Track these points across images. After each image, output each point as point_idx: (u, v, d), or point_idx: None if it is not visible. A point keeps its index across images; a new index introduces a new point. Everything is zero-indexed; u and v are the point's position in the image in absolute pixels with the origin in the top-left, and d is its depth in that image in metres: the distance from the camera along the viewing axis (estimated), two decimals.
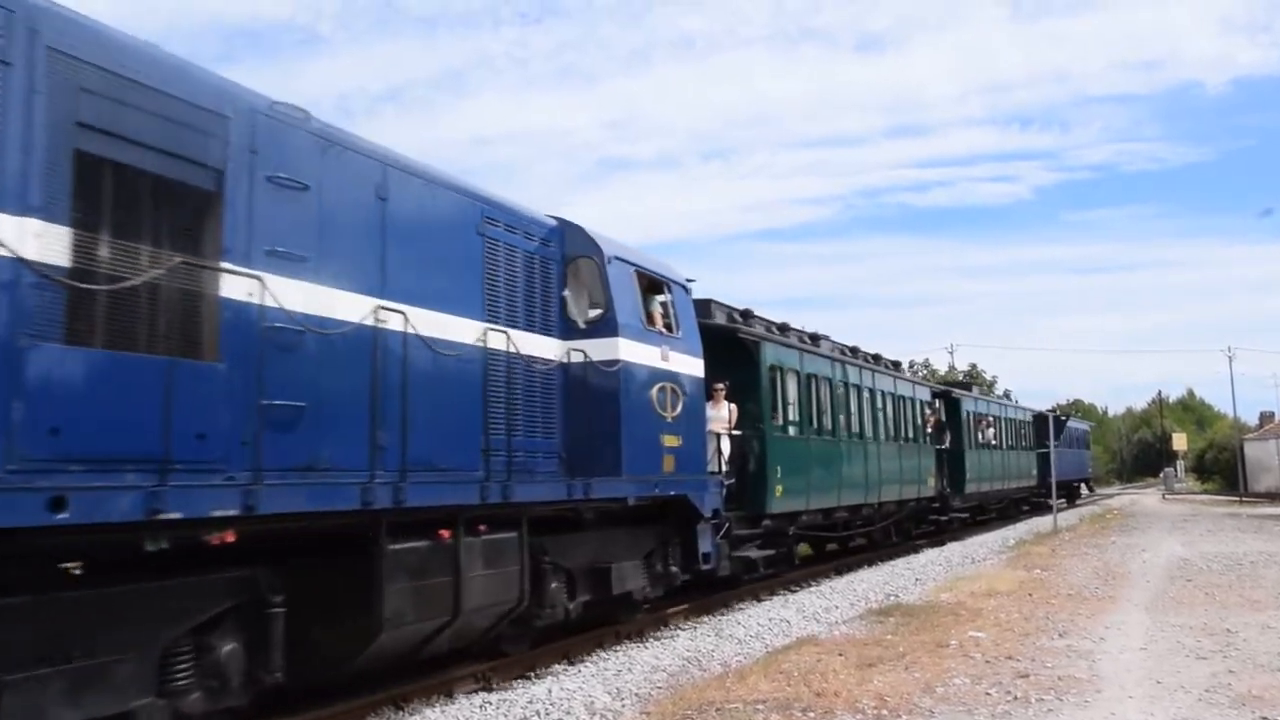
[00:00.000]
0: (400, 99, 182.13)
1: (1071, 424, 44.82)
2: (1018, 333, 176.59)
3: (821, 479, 17.22)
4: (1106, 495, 61.88)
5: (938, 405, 26.46)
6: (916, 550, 22.13)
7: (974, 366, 54.85)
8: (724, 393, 13.77)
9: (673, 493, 10.93)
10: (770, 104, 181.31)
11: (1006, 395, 53.69)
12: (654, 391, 10.70)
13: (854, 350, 21.45)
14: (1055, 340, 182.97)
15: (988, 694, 7.72)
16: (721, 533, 12.45)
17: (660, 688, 8.65)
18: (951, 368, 56.15)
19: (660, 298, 11.50)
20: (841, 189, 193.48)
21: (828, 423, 18.17)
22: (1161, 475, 71.36)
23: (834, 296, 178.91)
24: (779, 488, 15.04)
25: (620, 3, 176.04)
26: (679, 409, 11.19)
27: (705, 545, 11.71)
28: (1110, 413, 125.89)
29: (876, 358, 22.44)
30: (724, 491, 12.67)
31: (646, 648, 10.53)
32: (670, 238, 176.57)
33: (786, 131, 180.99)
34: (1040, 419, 38.13)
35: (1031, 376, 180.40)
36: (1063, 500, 40.92)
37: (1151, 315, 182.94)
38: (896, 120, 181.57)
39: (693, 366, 11.83)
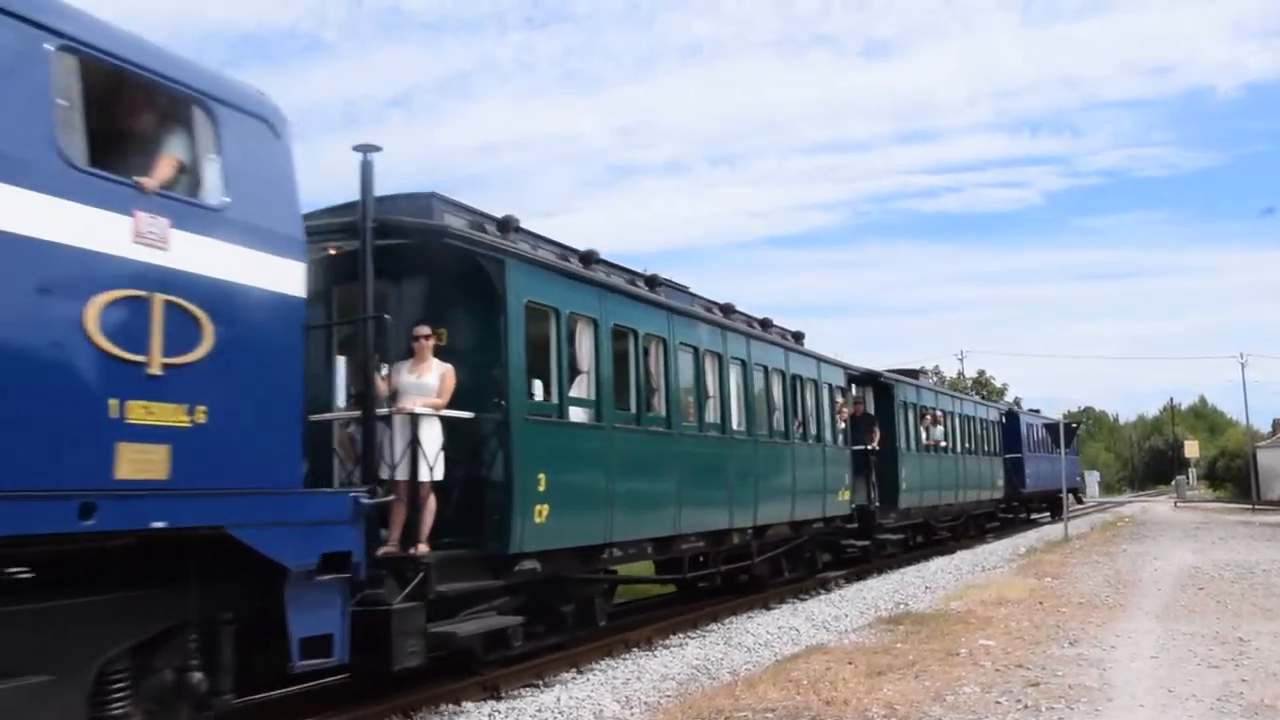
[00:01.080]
0: (407, 105, 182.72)
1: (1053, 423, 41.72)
2: (1028, 339, 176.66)
3: (641, 494, 11.15)
4: (1117, 503, 61.65)
5: (856, 393, 20.33)
6: (925, 559, 22.03)
7: (982, 373, 54.72)
8: (431, 345, 8.59)
9: (160, 524, 5.29)
10: (778, 110, 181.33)
11: (1017, 402, 53.22)
12: (92, 307, 5.09)
13: (726, 308, 14.81)
14: (1066, 347, 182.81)
15: (998, 702, 7.68)
16: (402, 589, 7.68)
17: (669, 696, 8.64)
18: (960, 374, 56.08)
19: (179, 129, 5.96)
20: (850, 195, 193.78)
21: (660, 407, 11.84)
22: (1173, 483, 71.10)
23: (843, 303, 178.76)
24: (541, 509, 9.12)
25: (627, 8, 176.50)
26: (199, 350, 5.63)
27: (308, 624, 6.16)
28: (1121, 420, 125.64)
29: (765, 323, 16.18)
30: (407, 516, 8.07)
31: (655, 656, 10.51)
32: (679, 244, 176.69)
33: (795, 137, 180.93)
34: (1012, 418, 33.81)
35: (1042, 384, 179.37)
36: (1045, 514, 37.87)
37: (1163, 321, 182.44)
38: (905, 126, 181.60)
39: (261, 273, 6.13)
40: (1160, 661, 9.30)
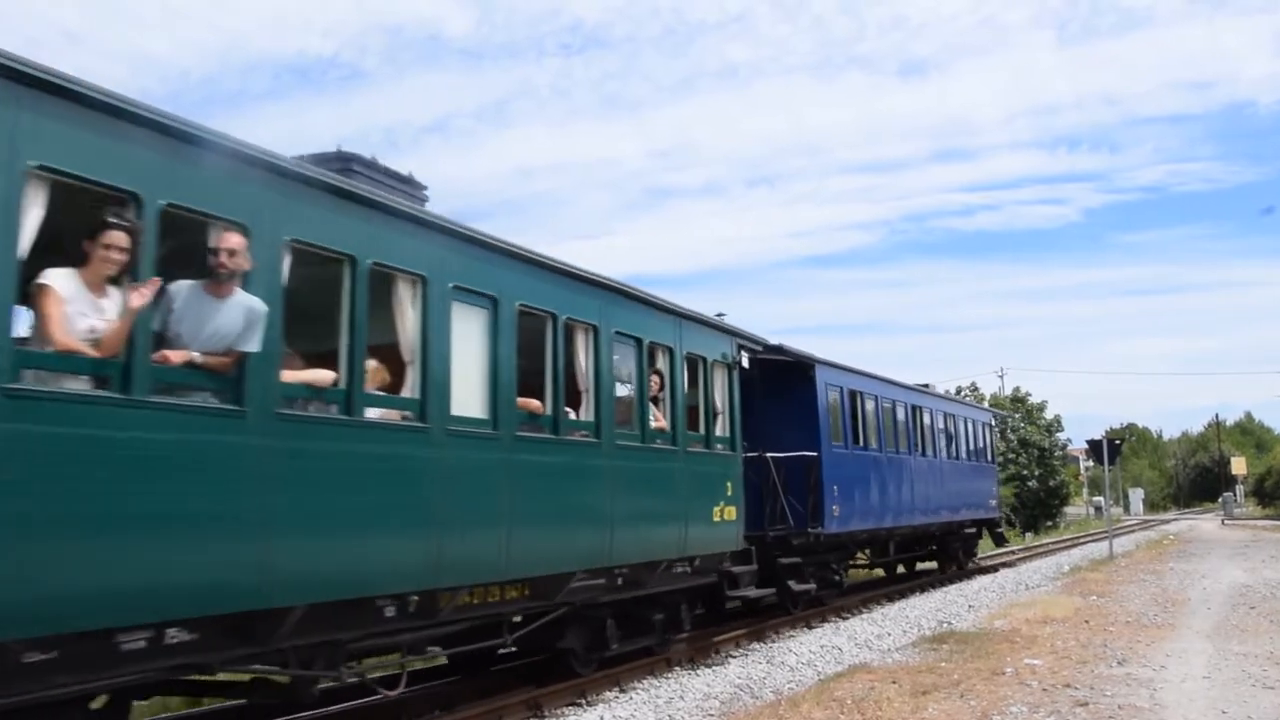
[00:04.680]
0: (445, 130, 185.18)
1: (937, 404, 21.44)
2: (1070, 357, 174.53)
3: None
4: (1162, 520, 60.58)
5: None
6: (969, 576, 21.74)
7: (1018, 389, 53.95)
8: None
9: None
10: (815, 131, 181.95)
11: (1057, 421, 51.70)
12: None
13: None
14: (1109, 364, 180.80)
15: None
16: None
17: (712, 715, 8.61)
18: (999, 391, 55.39)
19: None
20: (888, 214, 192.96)
21: None
22: (1220, 500, 69.76)
23: (882, 322, 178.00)
24: None
25: (664, 33, 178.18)
26: None
27: None
28: (1165, 436, 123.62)
29: None
30: None
31: (698, 675, 10.48)
32: (717, 265, 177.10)
33: (832, 157, 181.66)
34: (792, 373, 15.30)
35: (1085, 401, 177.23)
36: (931, 564, 21.91)
37: (1207, 337, 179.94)
38: (942, 145, 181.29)
39: None
40: (1212, 682, 9.14)
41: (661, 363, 10.67)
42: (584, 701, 9.20)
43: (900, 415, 18.95)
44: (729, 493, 11.67)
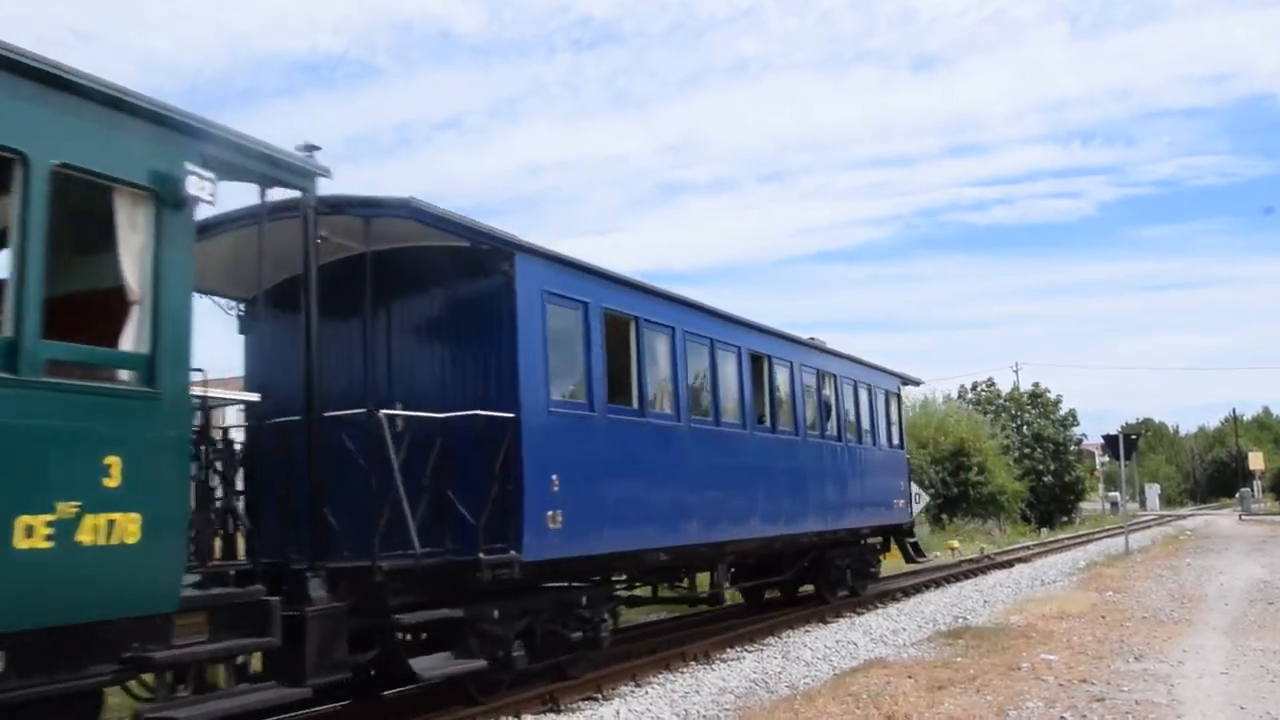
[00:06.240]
0: (457, 127, 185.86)
1: (801, 356, 14.13)
2: (1085, 352, 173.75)
3: None
4: (1179, 516, 60.29)
5: None
6: (983, 571, 21.70)
7: (1037, 385, 53.60)
8: None
9: None
10: (826, 126, 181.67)
11: (1072, 415, 51.26)
12: None
13: None
14: (1123, 359, 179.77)
15: (1063, 718, 7.59)
16: None
17: (728, 710, 8.62)
18: (1015, 387, 55.18)
19: None
20: (900, 209, 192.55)
21: None
22: (1237, 495, 69.39)
23: (895, 318, 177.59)
24: None
25: (673, 27, 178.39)
26: None
27: None
28: (1182, 431, 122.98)
29: None
30: None
31: (713, 669, 10.49)
32: (728, 261, 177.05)
33: (843, 153, 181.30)
34: (438, 258, 8.72)
35: (1100, 397, 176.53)
36: (814, 590, 15.58)
37: (1223, 332, 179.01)
38: (954, 140, 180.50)
39: None
40: (1230, 678, 9.10)
41: None
42: (600, 696, 9.23)
43: (729, 366, 12.11)
44: (113, 484, 5.18)
